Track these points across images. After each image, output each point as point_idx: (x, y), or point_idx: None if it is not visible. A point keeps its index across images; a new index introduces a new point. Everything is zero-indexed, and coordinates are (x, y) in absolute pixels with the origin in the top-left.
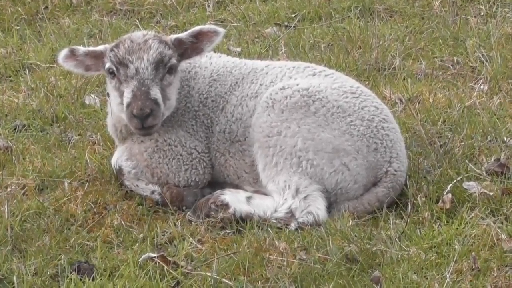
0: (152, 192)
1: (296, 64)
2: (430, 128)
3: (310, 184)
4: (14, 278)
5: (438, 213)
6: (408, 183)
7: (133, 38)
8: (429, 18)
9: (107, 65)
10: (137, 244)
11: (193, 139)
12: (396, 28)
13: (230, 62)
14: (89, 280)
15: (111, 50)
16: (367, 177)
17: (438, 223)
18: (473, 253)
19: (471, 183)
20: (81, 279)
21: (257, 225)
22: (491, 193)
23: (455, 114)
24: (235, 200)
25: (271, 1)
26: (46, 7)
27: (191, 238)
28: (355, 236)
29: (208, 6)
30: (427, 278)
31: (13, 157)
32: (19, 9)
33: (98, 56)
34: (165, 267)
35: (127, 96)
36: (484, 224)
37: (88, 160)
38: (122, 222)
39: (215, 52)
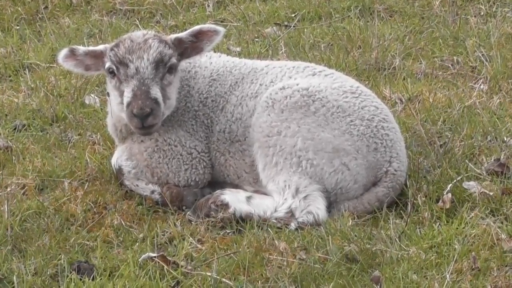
0: (152, 192)
1: (296, 64)
2: (430, 127)
3: (310, 184)
4: (14, 277)
5: (438, 213)
6: (408, 183)
7: (133, 38)
8: (429, 17)
9: (107, 64)
10: (137, 244)
11: (193, 138)
12: (396, 27)
13: (230, 62)
14: (89, 280)
15: (111, 49)
16: (367, 176)
17: (438, 223)
18: (473, 253)
19: (471, 183)
20: (81, 279)
21: (257, 225)
22: (491, 193)
23: (455, 114)
24: (235, 200)
25: (271, 0)
26: (46, 7)
27: (191, 238)
28: (355, 236)
29: (208, 5)
30: (427, 278)
31: (13, 157)
32: (19, 9)
33: (98, 56)
34: (165, 267)
35: (127, 95)
36: (484, 224)
37: (88, 160)
38: (122, 222)
39: (215, 51)
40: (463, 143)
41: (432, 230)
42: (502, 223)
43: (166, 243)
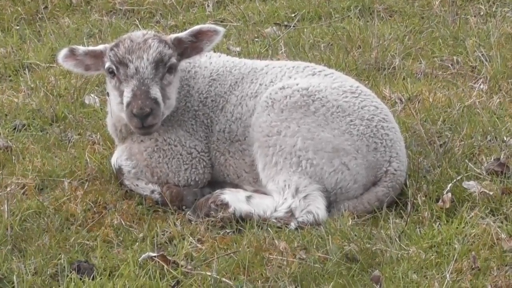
0: (152, 192)
1: (296, 64)
2: (429, 127)
3: (309, 184)
4: (14, 277)
5: (438, 212)
6: (408, 183)
7: (133, 38)
8: (428, 17)
9: (107, 64)
10: (137, 243)
11: (193, 138)
12: (396, 27)
13: (229, 62)
14: (89, 279)
15: (111, 49)
16: (367, 176)
17: (438, 223)
18: (473, 253)
19: (471, 182)
20: (81, 279)
21: (257, 225)
22: (491, 193)
23: (454, 114)
24: (235, 199)
25: (271, 0)
26: (46, 7)
27: (191, 238)
28: (355, 235)
29: (208, 5)
30: (427, 278)
31: (13, 157)
32: (19, 8)
33: (98, 56)
34: (165, 266)
35: (127, 95)
36: (484, 224)
37: (88, 160)
38: (122, 222)
39: (214, 51)
40: (463, 142)
41: (432, 229)
42: (502, 222)
43: (166, 242)
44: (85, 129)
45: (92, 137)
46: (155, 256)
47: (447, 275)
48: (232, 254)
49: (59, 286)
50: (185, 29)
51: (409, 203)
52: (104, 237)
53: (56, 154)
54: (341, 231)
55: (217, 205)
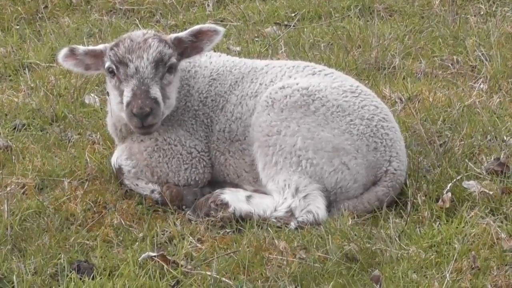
0: (152, 191)
1: (296, 63)
2: (429, 127)
3: (309, 183)
4: (14, 277)
5: (438, 212)
6: (408, 182)
7: (133, 37)
8: (428, 17)
9: (107, 64)
10: (137, 243)
11: (193, 138)
12: (396, 27)
13: (230, 61)
14: (88, 279)
15: (111, 49)
16: (366, 176)
17: (438, 222)
18: (473, 252)
19: (471, 182)
20: (81, 278)
21: (257, 224)
22: (491, 192)
23: (454, 113)
24: (235, 199)
25: (271, 0)
26: (46, 7)
27: (190, 237)
28: (355, 235)
29: (208, 5)
30: (427, 277)
31: (13, 157)
32: (19, 8)
33: (98, 55)
34: (165, 266)
35: (127, 95)
36: (484, 223)
37: (88, 159)
38: (122, 221)
39: (215, 51)
40: (463, 142)
41: (432, 229)
42: (502, 222)
43: (166, 242)
44: (85, 128)
45: (92, 136)
46: (155, 256)
47: (447, 275)
48: (232, 254)
49: (59, 286)
50: (185, 29)
51: (409, 203)
52: (104, 236)
53: (56, 153)
54: (341, 231)
55: (217, 205)
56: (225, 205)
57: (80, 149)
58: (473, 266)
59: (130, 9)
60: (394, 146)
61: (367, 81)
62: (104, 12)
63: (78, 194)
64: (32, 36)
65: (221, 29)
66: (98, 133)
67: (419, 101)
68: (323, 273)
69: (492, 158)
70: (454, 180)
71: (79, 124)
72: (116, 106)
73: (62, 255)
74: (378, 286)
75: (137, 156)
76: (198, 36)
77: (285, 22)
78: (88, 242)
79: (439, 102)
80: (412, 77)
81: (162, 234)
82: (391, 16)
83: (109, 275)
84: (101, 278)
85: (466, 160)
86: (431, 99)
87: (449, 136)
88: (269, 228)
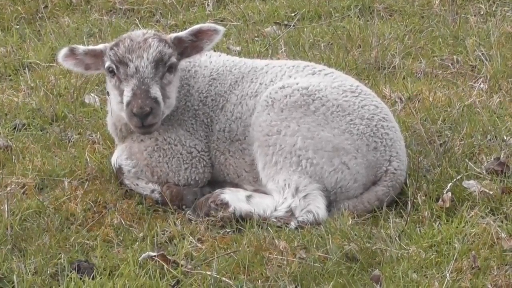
0: (152, 191)
1: (296, 63)
2: (430, 127)
3: (309, 183)
4: (14, 277)
5: (438, 212)
6: (408, 182)
7: (133, 37)
8: (428, 17)
9: (107, 63)
10: (137, 243)
11: (193, 138)
12: (396, 27)
13: (230, 61)
14: (89, 279)
15: (111, 49)
16: (367, 176)
17: (438, 222)
18: (473, 252)
19: (471, 182)
20: (81, 278)
21: (257, 224)
22: (491, 192)
23: (455, 113)
24: (235, 199)
25: (271, 0)
26: (46, 6)
27: (191, 237)
28: (355, 235)
29: (208, 5)
30: (427, 277)
31: (13, 156)
32: (19, 8)
33: (98, 55)
34: (165, 266)
35: (127, 94)
36: (484, 223)
37: (88, 159)
38: (122, 221)
39: (215, 51)
40: (463, 142)
41: (432, 229)
42: (502, 222)
43: (166, 242)
44: (85, 128)
45: (92, 136)
46: (155, 256)
47: (447, 275)
48: (232, 254)
49: (59, 285)
50: (185, 29)
51: (409, 203)
52: (104, 236)
53: (56, 153)
54: (341, 231)
55: (217, 205)
56: (225, 204)
57: (80, 149)
58: (473, 265)
59: (130, 8)
60: (394, 146)
61: (367, 81)
62: (104, 12)
63: (78, 194)
64: (32, 36)
65: (221, 29)
66: (98, 132)
67: (419, 101)
68: (323, 273)
69: (492, 157)
70: (454, 179)
71: (79, 124)
72: (116, 105)
73: (62, 255)
74: (378, 285)
75: (137, 156)
76: (198, 35)
77: (285, 22)
78: (88, 242)
79: (439, 101)
80: (412, 76)
81: (162, 234)
82: (391, 16)
83: (109, 275)
84: (101, 278)
85: (466, 159)
86: (431, 99)
87: (449, 135)
88: (269, 228)
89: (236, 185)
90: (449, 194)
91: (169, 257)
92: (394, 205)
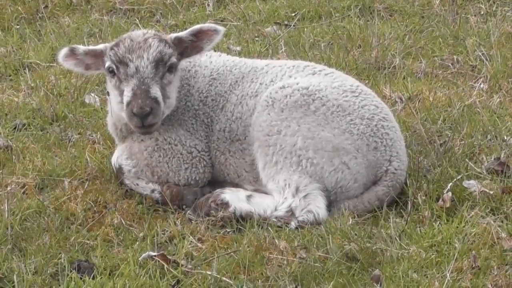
0: (152, 191)
1: (296, 63)
2: (430, 126)
3: (310, 183)
4: (14, 277)
5: (438, 211)
6: (408, 182)
7: (133, 37)
8: (429, 17)
9: (107, 63)
10: (137, 243)
11: (193, 138)
12: (396, 27)
13: (230, 61)
14: (89, 278)
15: (111, 49)
16: (367, 175)
17: (438, 222)
18: (473, 252)
19: (471, 181)
20: (81, 278)
21: (257, 224)
22: (491, 192)
23: (455, 113)
24: (235, 198)
25: (271, 0)
26: (46, 6)
27: (191, 237)
28: (355, 234)
29: (208, 5)
30: (427, 277)
31: (13, 156)
32: (19, 8)
33: (98, 55)
34: (165, 265)
35: (127, 94)
36: (484, 223)
37: (88, 159)
38: (122, 221)
39: (215, 51)
40: (463, 142)
41: (432, 229)
42: (502, 222)
43: (166, 242)
44: (85, 128)
45: (92, 136)
46: (155, 256)
47: (448, 274)
48: (232, 254)
49: (59, 285)
50: (185, 29)
51: (409, 202)
52: (104, 236)
53: (56, 153)
54: (341, 230)
55: (217, 205)
56: (225, 204)
57: (80, 148)
58: (473, 265)
59: (130, 8)
60: (394, 146)
61: (367, 81)
62: (104, 12)
63: (78, 193)
64: (32, 36)
65: (221, 29)
66: (99, 132)
67: (419, 101)
68: (324, 272)
69: (493, 157)
70: (455, 179)
71: (79, 124)
72: (116, 105)
73: (63, 255)
74: (379, 285)
75: (137, 156)
76: (198, 35)
77: (285, 22)
78: (88, 242)
79: (439, 101)
80: (412, 76)
81: (163, 234)
82: (391, 16)
83: (109, 274)
84: (101, 278)
85: (467, 159)
86: (431, 99)
87: (449, 135)
88: (270, 228)
89: (236, 185)
90: (450, 194)
91: (169, 257)
92: (394, 205)
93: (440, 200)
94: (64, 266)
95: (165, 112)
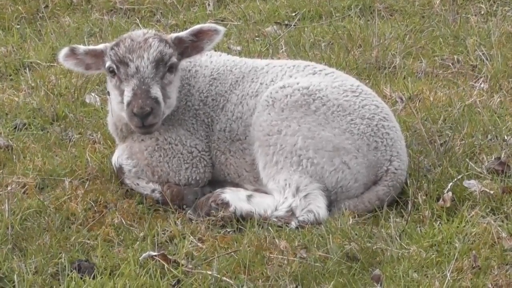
0: (153, 191)
1: (297, 63)
2: (430, 126)
3: (310, 183)
4: (15, 276)
5: (438, 211)
6: (408, 182)
7: (134, 37)
8: (429, 16)
9: (108, 63)
10: (138, 242)
11: (194, 137)
12: (397, 26)
13: (230, 61)
14: (89, 278)
15: (112, 48)
16: (367, 175)
17: (438, 222)
18: (473, 252)
19: (472, 181)
20: (81, 278)
21: (257, 224)
22: (492, 192)
23: (455, 113)
24: (236, 198)
25: None
26: (47, 6)
27: (191, 237)
28: (356, 234)
29: (209, 4)
30: (427, 277)
31: (14, 156)
32: (20, 8)
33: (99, 55)
34: (166, 265)
35: (128, 94)
36: (484, 223)
37: (89, 159)
38: (123, 221)
39: (215, 50)
40: (463, 141)
41: (433, 228)
42: (502, 221)
43: (167, 241)
44: (85, 128)
45: (92, 136)
46: (155, 255)
47: (448, 274)
48: (232, 253)
49: (60, 285)
50: (186, 28)
51: (409, 202)
52: (104, 236)
53: (56, 153)
54: (341, 230)
55: (218, 204)
56: (225, 204)
57: (80, 148)
58: (473, 265)
59: (130, 8)
60: (394, 146)
61: (367, 81)
62: (105, 12)
63: (78, 193)
64: (32, 36)
65: (222, 29)
66: (99, 132)
67: (419, 101)
68: (324, 272)
69: (493, 157)
70: (455, 179)
71: (79, 124)
72: (117, 105)
73: (63, 255)
74: (379, 285)
75: (137, 156)
76: (199, 35)
77: (286, 22)
78: (88, 242)
79: (439, 101)
80: (413, 76)
81: (163, 234)
82: (391, 15)
83: (109, 274)
84: (101, 278)
85: (467, 159)
86: (431, 99)
87: (449, 135)
88: (270, 228)
89: (236, 185)
90: (450, 193)
91: (170, 257)
92: (394, 205)
93: (441, 199)
94: (65, 266)
95: (165, 112)
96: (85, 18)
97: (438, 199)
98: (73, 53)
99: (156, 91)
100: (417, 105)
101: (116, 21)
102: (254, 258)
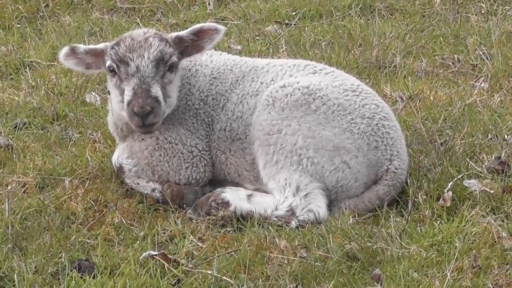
0: (153, 190)
1: (297, 62)
2: (430, 126)
3: (310, 182)
4: (15, 276)
5: (438, 211)
6: (408, 181)
7: (134, 36)
8: (429, 16)
9: (108, 63)
10: (138, 242)
11: (194, 137)
12: (397, 26)
13: (230, 60)
14: (89, 278)
15: (112, 48)
16: (367, 175)
17: (438, 221)
18: (473, 251)
19: (472, 181)
20: (81, 277)
21: (257, 223)
22: (492, 191)
23: (455, 112)
24: (236, 198)
25: None
26: (47, 5)
27: (191, 236)
28: (356, 234)
29: (209, 4)
30: (427, 276)
31: (14, 155)
32: (20, 7)
33: (99, 54)
34: (166, 265)
35: (128, 94)
36: (484, 222)
37: (89, 158)
38: (123, 220)
39: (215, 50)
40: (463, 141)
41: (433, 228)
42: (502, 221)
43: (167, 241)
44: (86, 127)
45: (93, 135)
46: (155, 255)
47: (448, 274)
48: (233, 253)
49: (60, 284)
50: (186, 28)
51: (410, 202)
52: (104, 235)
53: (57, 152)
54: (342, 230)
55: (218, 204)
56: (226, 204)
57: (81, 147)
58: (474, 265)
59: (131, 7)
60: (395, 145)
61: (368, 80)
62: (105, 11)
63: (79, 192)
64: (33, 35)
65: (222, 28)
66: (99, 131)
67: (420, 100)
68: (324, 272)
69: (493, 157)
70: (455, 179)
71: (80, 123)
72: (117, 105)
73: (63, 254)
74: (379, 285)
75: (138, 155)
76: (199, 35)
77: (286, 21)
78: (89, 241)
79: (440, 101)
80: (413, 75)
81: (163, 233)
82: (392, 14)
83: (110, 274)
84: (102, 277)
85: (467, 159)
86: (432, 98)
87: (450, 135)
88: (270, 227)
89: (237, 184)
90: (450, 193)
91: (170, 256)
92: (395, 204)
93: (441, 199)
94: (65, 265)
95: (165, 111)
96: (85, 17)
97: (438, 199)
98: (73, 52)
99: (156, 90)
100: (417, 104)
101: (117, 20)
102: (254, 258)
